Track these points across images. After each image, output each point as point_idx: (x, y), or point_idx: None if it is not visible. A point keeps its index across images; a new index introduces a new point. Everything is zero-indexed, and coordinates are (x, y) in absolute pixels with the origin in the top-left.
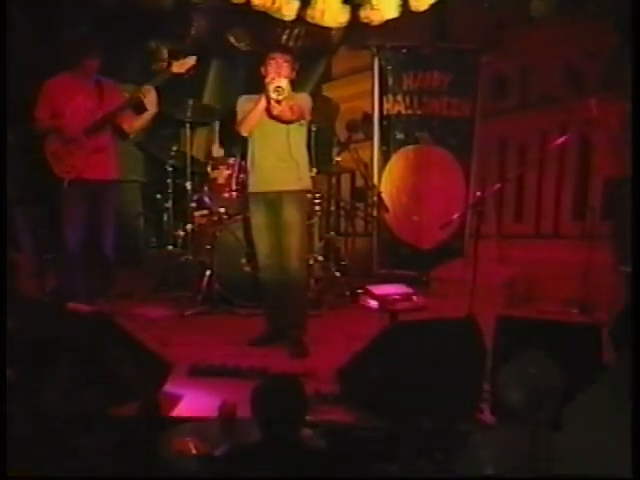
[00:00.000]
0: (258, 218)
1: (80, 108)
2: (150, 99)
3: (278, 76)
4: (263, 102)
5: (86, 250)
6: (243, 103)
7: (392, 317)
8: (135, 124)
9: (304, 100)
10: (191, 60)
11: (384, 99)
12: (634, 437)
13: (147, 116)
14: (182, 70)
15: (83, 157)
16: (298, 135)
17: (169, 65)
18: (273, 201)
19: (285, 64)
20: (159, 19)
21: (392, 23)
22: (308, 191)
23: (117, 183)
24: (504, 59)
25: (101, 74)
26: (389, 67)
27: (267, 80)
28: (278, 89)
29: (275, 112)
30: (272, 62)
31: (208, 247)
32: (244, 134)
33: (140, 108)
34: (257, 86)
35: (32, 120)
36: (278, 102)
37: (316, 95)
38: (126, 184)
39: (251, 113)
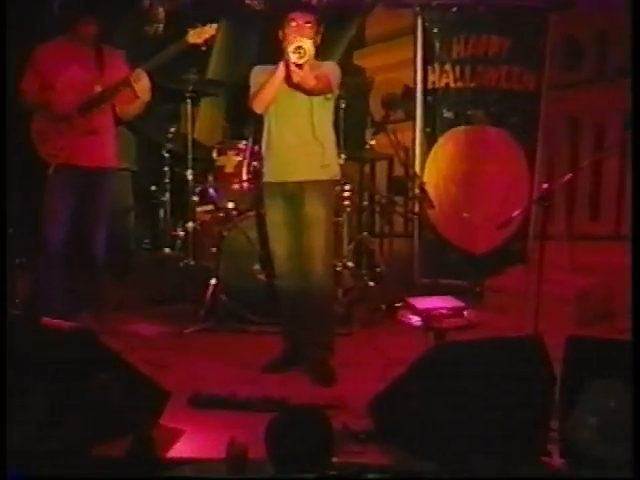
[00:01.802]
0: (275, 214)
1: (74, 80)
2: (142, 85)
3: (298, 42)
4: (281, 70)
5: (70, 252)
6: (257, 74)
7: (438, 336)
8: (127, 109)
9: (331, 69)
10: (211, 29)
11: (429, 69)
12: (634, 437)
13: (139, 104)
14: (200, 40)
15: (75, 139)
16: (324, 112)
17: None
18: (293, 193)
19: (307, 26)
20: None
21: None
22: (336, 182)
23: (114, 172)
24: (577, 20)
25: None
26: (435, 30)
27: (285, 44)
28: (299, 50)
29: (296, 79)
30: (292, 24)
31: (213, 250)
32: (258, 111)
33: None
34: (274, 54)
35: (17, 92)
36: (299, 66)
37: (346, 64)
38: (115, 173)
39: (267, 84)
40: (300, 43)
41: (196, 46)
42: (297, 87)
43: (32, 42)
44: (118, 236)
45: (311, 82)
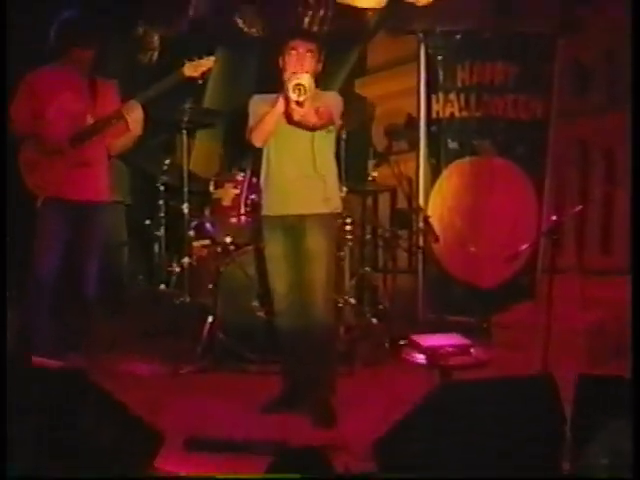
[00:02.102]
0: (275, 248)
1: (66, 110)
2: (135, 118)
3: (300, 70)
4: (281, 104)
5: (61, 287)
6: (257, 104)
7: (444, 375)
8: (116, 143)
9: (333, 100)
10: (209, 62)
11: (433, 98)
12: (634, 437)
13: (129, 138)
14: (196, 74)
15: (65, 171)
16: (325, 144)
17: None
18: (294, 227)
19: (308, 55)
20: None
21: (443, 2)
22: (338, 215)
23: (107, 205)
24: (585, 43)
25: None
26: (439, 57)
27: (286, 76)
28: (299, 87)
29: (296, 117)
30: (292, 53)
31: (210, 286)
32: (257, 145)
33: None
34: (273, 83)
35: (8, 122)
36: (299, 104)
37: (347, 93)
38: (107, 206)
39: (266, 118)
40: (300, 80)
41: (192, 79)
42: (298, 125)
43: (25, 68)
44: (111, 271)
45: (312, 119)
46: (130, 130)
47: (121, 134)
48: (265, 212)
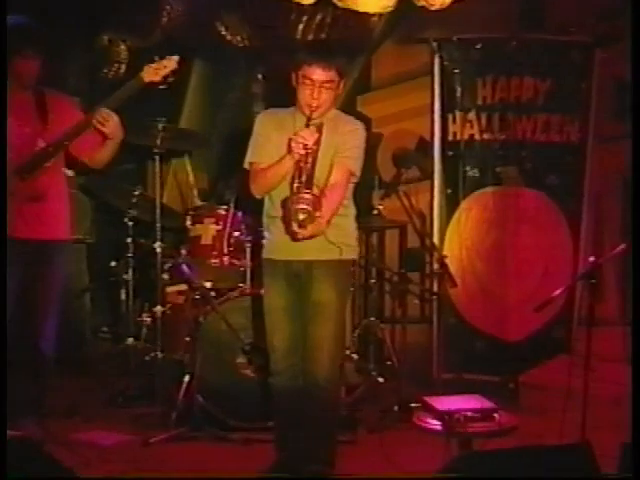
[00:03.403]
0: (276, 299)
1: (12, 135)
2: (111, 124)
3: (313, 104)
4: (288, 161)
5: (12, 343)
6: (264, 125)
7: (463, 444)
8: (98, 155)
9: (352, 141)
10: (170, 62)
11: (449, 118)
12: (634, 437)
13: (111, 146)
14: (157, 78)
15: (15, 207)
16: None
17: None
18: (299, 274)
19: (326, 86)
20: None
21: (461, 6)
22: (352, 262)
23: (66, 245)
24: (628, 57)
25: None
26: (456, 70)
27: (297, 103)
28: (303, 210)
29: (300, 237)
30: (306, 82)
31: (187, 340)
32: (257, 196)
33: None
34: (267, 100)
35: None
36: (302, 225)
37: (348, 113)
38: (67, 246)
39: (272, 169)
40: (303, 204)
41: (154, 84)
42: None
43: None
44: (71, 323)
45: (321, 228)
46: (110, 138)
47: (100, 145)
48: (267, 255)
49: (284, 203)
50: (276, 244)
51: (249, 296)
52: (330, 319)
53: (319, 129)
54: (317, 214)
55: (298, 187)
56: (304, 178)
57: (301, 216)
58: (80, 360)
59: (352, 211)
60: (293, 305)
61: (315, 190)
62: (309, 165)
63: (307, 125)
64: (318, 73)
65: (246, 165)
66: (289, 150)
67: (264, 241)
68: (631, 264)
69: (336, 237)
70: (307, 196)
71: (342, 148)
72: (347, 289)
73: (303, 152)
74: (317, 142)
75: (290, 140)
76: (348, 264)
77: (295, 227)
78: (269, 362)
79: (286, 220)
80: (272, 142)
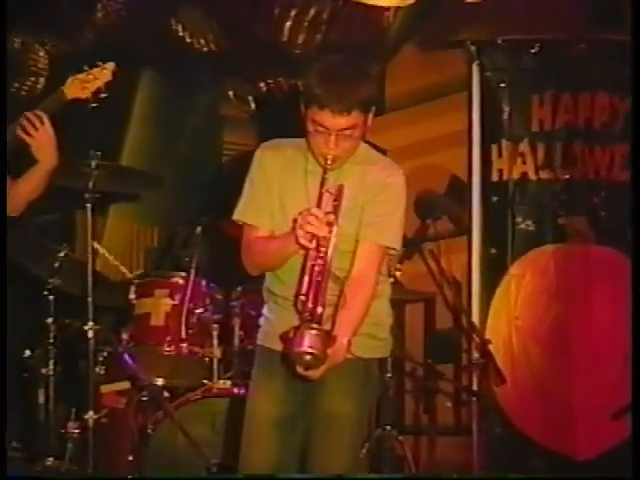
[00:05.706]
0: (266, 405)
1: None
2: (41, 139)
3: (328, 152)
4: (292, 244)
5: None
6: (269, 163)
7: None
8: (17, 192)
9: (386, 214)
10: (104, 72)
11: (493, 150)
12: (634, 437)
13: (39, 174)
14: (85, 93)
15: None
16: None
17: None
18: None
19: (347, 133)
20: None
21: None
22: (382, 361)
23: None
24: None
25: None
26: (502, 84)
27: (310, 147)
28: (308, 354)
29: (309, 379)
30: (319, 129)
31: (130, 459)
32: (252, 274)
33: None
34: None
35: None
36: (310, 367)
37: None
38: None
39: (275, 245)
40: (306, 348)
41: (80, 102)
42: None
43: None
44: None
45: (339, 357)
46: (37, 160)
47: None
48: (262, 342)
49: (283, 336)
50: (278, 328)
51: (215, 398)
52: (343, 439)
53: (338, 193)
54: (329, 351)
55: (303, 304)
56: (312, 291)
57: (307, 358)
58: None
59: (386, 289)
60: (290, 417)
61: (330, 291)
62: (320, 261)
63: (323, 179)
64: (333, 120)
65: (236, 217)
66: (295, 234)
67: (261, 320)
68: None
69: (363, 327)
70: (314, 333)
71: (371, 213)
72: (372, 399)
73: (312, 246)
74: (335, 211)
75: (294, 222)
76: (374, 364)
77: (300, 370)
78: None
79: (287, 358)
80: (275, 194)
